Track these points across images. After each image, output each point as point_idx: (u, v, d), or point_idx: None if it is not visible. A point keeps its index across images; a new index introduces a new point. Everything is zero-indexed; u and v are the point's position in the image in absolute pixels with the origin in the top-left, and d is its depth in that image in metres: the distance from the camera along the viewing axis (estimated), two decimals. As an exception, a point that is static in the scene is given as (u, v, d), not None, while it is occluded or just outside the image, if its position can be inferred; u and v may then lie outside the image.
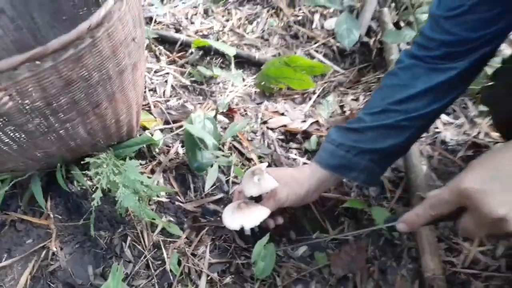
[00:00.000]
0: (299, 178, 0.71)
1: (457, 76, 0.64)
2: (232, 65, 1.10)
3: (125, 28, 0.64)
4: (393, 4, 1.25)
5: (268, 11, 1.31)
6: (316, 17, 1.26)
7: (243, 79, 1.10)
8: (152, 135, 0.88)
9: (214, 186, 0.82)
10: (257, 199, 0.73)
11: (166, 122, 0.95)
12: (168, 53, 1.16)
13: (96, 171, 0.71)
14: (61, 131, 0.66)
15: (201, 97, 1.04)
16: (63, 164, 0.76)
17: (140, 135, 0.87)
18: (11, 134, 0.62)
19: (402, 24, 1.20)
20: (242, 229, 0.68)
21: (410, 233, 0.76)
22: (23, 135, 0.63)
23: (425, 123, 0.69)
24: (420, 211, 0.54)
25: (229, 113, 0.98)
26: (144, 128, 0.91)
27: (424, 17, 1.04)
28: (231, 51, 1.06)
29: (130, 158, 0.77)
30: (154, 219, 0.73)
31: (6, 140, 0.63)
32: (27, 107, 0.58)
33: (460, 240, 0.75)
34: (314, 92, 1.06)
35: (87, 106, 0.65)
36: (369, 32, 1.22)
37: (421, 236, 0.73)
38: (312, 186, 0.70)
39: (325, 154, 0.71)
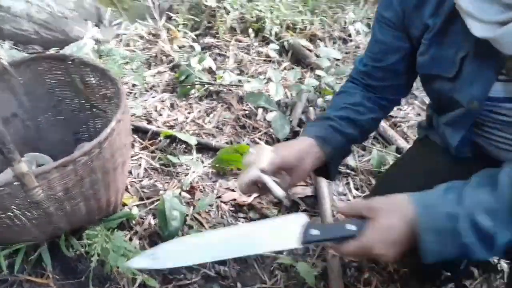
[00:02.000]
0: (292, 142, 0.81)
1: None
2: (194, 151, 1.39)
3: (121, 139, 0.93)
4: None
5: (222, 106, 1.65)
6: (260, 111, 1.61)
7: (202, 162, 1.39)
8: (130, 210, 1.14)
9: (180, 249, 1.08)
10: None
11: (141, 199, 1.21)
12: (141, 140, 1.44)
13: (92, 240, 0.95)
14: (69, 211, 0.91)
15: (168, 177, 1.32)
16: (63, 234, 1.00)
17: (121, 210, 1.12)
18: (36, 214, 0.86)
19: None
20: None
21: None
22: (43, 215, 0.87)
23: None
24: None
25: (191, 190, 1.26)
26: (124, 204, 1.16)
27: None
28: (192, 141, 1.37)
29: (113, 229, 1.03)
30: (135, 274, 0.97)
31: (30, 218, 0.87)
32: (51, 196, 0.84)
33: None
34: (257, 173, 1.36)
35: (90, 192, 0.91)
36: (300, 123, 1.57)
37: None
38: (304, 146, 0.78)
39: (310, 129, 0.83)
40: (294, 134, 1.48)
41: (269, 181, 0.74)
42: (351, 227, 0.64)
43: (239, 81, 1.69)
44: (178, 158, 1.35)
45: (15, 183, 0.78)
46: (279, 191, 0.74)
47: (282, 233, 0.67)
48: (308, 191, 1.28)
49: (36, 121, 1.19)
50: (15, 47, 1.86)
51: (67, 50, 1.63)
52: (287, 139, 1.45)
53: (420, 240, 0.59)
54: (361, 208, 0.64)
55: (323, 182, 1.26)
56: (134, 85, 1.72)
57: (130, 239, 1.09)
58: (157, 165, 1.35)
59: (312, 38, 2.06)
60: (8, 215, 0.84)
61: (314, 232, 0.65)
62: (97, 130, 1.23)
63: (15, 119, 1.16)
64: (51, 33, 1.88)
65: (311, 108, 1.57)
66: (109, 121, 0.90)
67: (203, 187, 1.28)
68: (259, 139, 1.52)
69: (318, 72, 1.68)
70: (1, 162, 1.10)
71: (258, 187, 0.77)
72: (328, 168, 0.85)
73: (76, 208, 0.91)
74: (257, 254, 1.09)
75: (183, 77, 1.72)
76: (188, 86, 1.69)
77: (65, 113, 1.20)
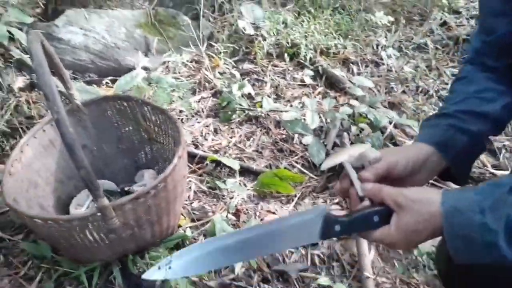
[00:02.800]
0: (405, 149, 0.75)
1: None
2: (237, 175, 1.53)
3: (180, 171, 1.07)
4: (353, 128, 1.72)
5: (261, 130, 1.78)
6: (296, 135, 1.73)
7: (245, 185, 1.52)
8: (184, 231, 1.28)
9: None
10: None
11: (192, 220, 1.35)
12: (189, 164, 1.59)
13: (155, 260, 1.10)
14: (137, 235, 1.06)
15: (215, 200, 1.46)
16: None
17: (176, 232, 1.27)
18: (111, 238, 1.01)
19: (358, 142, 1.66)
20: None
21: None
22: (116, 239, 1.02)
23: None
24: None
25: (236, 212, 1.39)
26: (179, 226, 1.31)
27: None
28: (236, 166, 1.50)
29: (171, 249, 1.18)
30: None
31: (107, 242, 1.02)
32: (125, 224, 0.99)
33: None
34: (295, 195, 1.48)
35: (155, 219, 1.06)
36: (335, 146, 1.68)
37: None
38: (420, 156, 0.69)
39: (426, 133, 0.73)
40: (329, 159, 1.59)
41: (353, 175, 0.69)
42: (376, 218, 0.64)
43: (276, 107, 1.82)
44: (224, 182, 1.49)
45: (97, 214, 0.93)
46: (360, 189, 0.68)
47: (302, 230, 0.66)
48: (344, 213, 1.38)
49: (102, 151, 1.36)
50: (74, 75, 2.06)
51: (122, 80, 1.80)
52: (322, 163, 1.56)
53: (448, 245, 0.58)
54: (388, 200, 0.63)
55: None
56: (181, 111, 1.87)
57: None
58: (205, 188, 1.49)
59: (345, 62, 2.16)
60: (89, 238, 0.99)
61: (336, 227, 0.65)
62: (154, 155, 1.38)
63: (85, 149, 1.33)
64: (105, 62, 2.07)
65: (345, 133, 1.67)
66: (164, 149, 1.03)
67: (247, 210, 1.41)
68: (296, 162, 1.63)
69: (352, 102, 1.79)
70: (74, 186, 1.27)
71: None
72: (454, 174, 0.74)
73: (143, 233, 1.06)
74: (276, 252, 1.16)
75: (225, 103, 1.87)
76: (230, 112, 1.83)
77: (127, 144, 1.37)
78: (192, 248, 0.68)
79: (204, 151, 1.64)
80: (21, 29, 1.91)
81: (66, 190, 1.31)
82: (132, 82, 1.79)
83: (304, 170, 1.60)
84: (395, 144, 1.66)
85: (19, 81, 1.90)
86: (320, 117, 1.74)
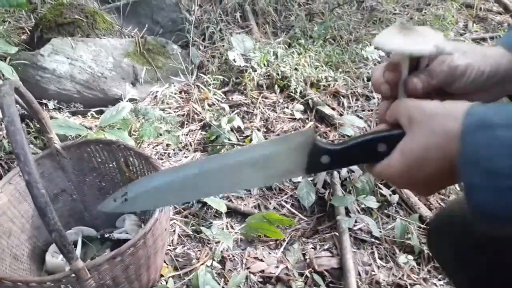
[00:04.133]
0: (487, 52, 0.52)
1: None
2: (224, 215, 1.47)
3: (162, 225, 1.02)
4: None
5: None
6: (286, 173, 1.68)
7: (232, 227, 1.47)
8: (166, 282, 1.22)
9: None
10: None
11: (175, 268, 1.29)
12: (174, 205, 1.53)
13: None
14: (115, 293, 1.00)
15: (200, 245, 1.40)
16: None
17: (158, 281, 1.21)
18: (86, 299, 0.95)
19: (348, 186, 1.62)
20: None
21: None
22: (92, 299, 0.96)
23: None
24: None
25: (222, 259, 1.33)
26: (161, 275, 1.24)
27: (359, 185, 1.47)
28: (222, 208, 1.45)
29: (152, 302, 1.11)
30: None
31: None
32: (101, 285, 0.93)
33: None
34: (284, 240, 1.43)
35: (133, 276, 1.00)
36: (325, 185, 1.63)
37: None
38: (501, 66, 0.51)
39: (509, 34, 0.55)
40: (319, 199, 1.54)
41: (405, 73, 0.50)
42: (382, 147, 0.48)
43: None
44: (210, 225, 1.43)
45: (71, 275, 0.87)
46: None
47: (283, 161, 0.51)
48: (334, 262, 1.34)
49: (82, 194, 1.30)
50: (59, 105, 2.01)
51: (107, 114, 1.75)
52: (312, 206, 1.52)
53: (464, 190, 0.39)
54: (402, 116, 0.47)
55: (349, 254, 1.32)
56: (168, 145, 1.83)
57: (166, 311, 1.17)
58: (190, 232, 1.43)
59: (336, 95, 2.14)
60: (62, 300, 0.93)
61: (324, 158, 0.51)
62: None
63: (64, 194, 1.27)
64: (91, 92, 2.02)
65: (335, 173, 1.63)
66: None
67: (233, 256, 1.36)
68: (285, 202, 1.59)
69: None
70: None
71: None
72: None
73: (121, 291, 1.00)
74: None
75: (213, 137, 1.82)
76: (218, 147, 1.79)
77: (108, 188, 1.31)
78: (153, 177, 0.58)
79: (190, 190, 1.59)
80: (5, 58, 1.86)
81: (42, 236, 1.25)
82: (118, 116, 1.74)
83: (294, 211, 1.55)
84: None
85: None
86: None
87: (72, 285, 0.89)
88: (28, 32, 2.31)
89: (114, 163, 1.26)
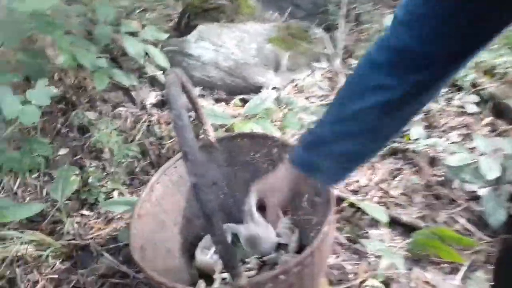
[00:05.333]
0: (278, 186, 0.81)
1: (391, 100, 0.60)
2: (383, 229, 1.26)
3: (329, 240, 0.86)
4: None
5: (409, 168, 1.48)
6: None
7: (392, 239, 1.25)
8: (323, 299, 1.07)
9: None
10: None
11: (330, 283, 1.13)
12: (324, 206, 1.37)
13: None
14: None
15: (356, 257, 1.21)
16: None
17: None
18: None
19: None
20: None
21: None
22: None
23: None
24: None
25: (385, 280, 1.13)
26: (314, 289, 1.09)
27: None
28: (383, 218, 1.24)
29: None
30: None
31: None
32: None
33: None
34: (461, 264, 1.16)
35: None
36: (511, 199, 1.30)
37: None
38: (291, 186, 0.80)
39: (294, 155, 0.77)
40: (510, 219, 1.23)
41: None
42: None
43: (433, 142, 1.50)
44: (366, 235, 1.24)
45: (232, 291, 0.76)
46: None
47: None
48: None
49: (232, 189, 1.21)
50: (202, 92, 1.99)
51: (252, 103, 1.66)
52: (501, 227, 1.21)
53: None
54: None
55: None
56: (312, 138, 1.67)
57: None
58: (343, 240, 1.26)
59: (518, 84, 1.73)
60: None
61: None
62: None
63: (215, 187, 1.20)
64: (233, 79, 1.96)
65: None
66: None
67: (397, 277, 1.14)
68: (460, 215, 1.30)
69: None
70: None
71: None
72: None
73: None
74: None
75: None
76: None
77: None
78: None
79: (341, 192, 1.41)
80: (155, 45, 1.90)
81: (193, 230, 1.19)
82: (263, 105, 1.64)
83: (471, 228, 1.26)
84: None
85: (151, 97, 1.90)
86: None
87: (232, 301, 0.78)
88: (175, 20, 2.36)
89: (268, 161, 1.13)
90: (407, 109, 0.64)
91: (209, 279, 1.09)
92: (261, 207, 0.87)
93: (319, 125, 0.72)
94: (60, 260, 1.20)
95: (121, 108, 1.75)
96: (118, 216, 1.36)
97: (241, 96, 1.88)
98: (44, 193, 1.41)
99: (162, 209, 1.11)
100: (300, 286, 0.84)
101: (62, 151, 1.53)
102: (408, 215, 1.31)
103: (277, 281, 0.78)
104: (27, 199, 1.38)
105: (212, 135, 1.11)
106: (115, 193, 1.43)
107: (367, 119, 0.64)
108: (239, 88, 1.95)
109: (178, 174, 1.15)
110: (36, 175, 1.47)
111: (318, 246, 0.80)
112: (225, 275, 1.07)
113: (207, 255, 1.14)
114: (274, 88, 1.84)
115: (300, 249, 1.10)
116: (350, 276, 1.15)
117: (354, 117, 0.65)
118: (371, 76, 0.62)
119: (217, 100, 1.92)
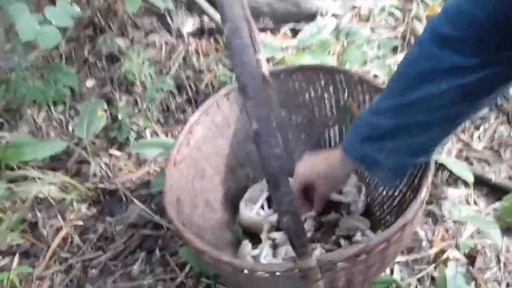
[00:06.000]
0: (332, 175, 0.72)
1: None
2: (468, 191, 1.04)
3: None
4: None
5: (496, 117, 1.21)
6: (561, 133, 1.13)
7: (475, 202, 1.04)
8: (391, 270, 0.89)
9: None
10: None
11: (401, 252, 0.94)
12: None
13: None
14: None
15: (430, 220, 1.01)
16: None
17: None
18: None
19: None
20: None
21: None
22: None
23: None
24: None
25: (471, 253, 0.92)
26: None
27: None
28: (469, 176, 1.01)
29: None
30: None
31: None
32: (331, 286, 0.63)
33: None
34: None
35: (373, 275, 0.68)
36: None
37: None
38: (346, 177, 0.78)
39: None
40: None
41: None
42: None
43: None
44: (443, 196, 1.03)
45: (296, 271, 0.58)
46: None
47: None
48: None
49: (286, 137, 1.01)
50: (246, 20, 1.74)
51: (306, 32, 1.41)
52: None
53: None
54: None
55: None
56: (375, 76, 1.41)
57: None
58: (415, 200, 1.05)
59: None
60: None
61: None
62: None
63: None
64: (283, 4, 1.68)
65: None
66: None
67: (483, 249, 0.94)
68: (561, 178, 1.06)
69: None
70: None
71: None
72: None
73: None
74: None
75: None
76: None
77: (317, 132, 0.99)
78: None
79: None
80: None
81: (236, 180, 1.02)
82: (319, 36, 1.38)
83: None
84: None
85: (189, 24, 1.67)
86: None
87: (294, 282, 0.61)
88: None
89: (333, 100, 0.91)
90: (489, 93, 0.56)
91: (255, 238, 0.93)
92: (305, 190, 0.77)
93: (376, 114, 0.62)
94: (86, 205, 1.07)
95: (154, 36, 1.55)
96: (152, 158, 1.20)
97: (291, 25, 1.62)
98: (70, 129, 1.26)
99: (202, 155, 0.93)
100: (380, 267, 0.66)
101: (89, 83, 1.36)
102: (496, 174, 1.08)
103: (354, 262, 0.60)
104: (51, 134, 1.23)
105: (266, 67, 0.88)
106: (148, 132, 1.26)
107: (438, 106, 0.56)
108: (289, 15, 1.67)
109: (222, 114, 0.95)
110: (61, 108, 1.31)
111: (412, 217, 0.60)
112: (275, 234, 0.90)
113: (252, 209, 0.97)
114: (332, 15, 1.55)
115: (366, 211, 0.91)
116: (424, 244, 0.95)
117: (421, 106, 0.57)
118: (440, 56, 0.54)
119: (263, 30, 1.66)
